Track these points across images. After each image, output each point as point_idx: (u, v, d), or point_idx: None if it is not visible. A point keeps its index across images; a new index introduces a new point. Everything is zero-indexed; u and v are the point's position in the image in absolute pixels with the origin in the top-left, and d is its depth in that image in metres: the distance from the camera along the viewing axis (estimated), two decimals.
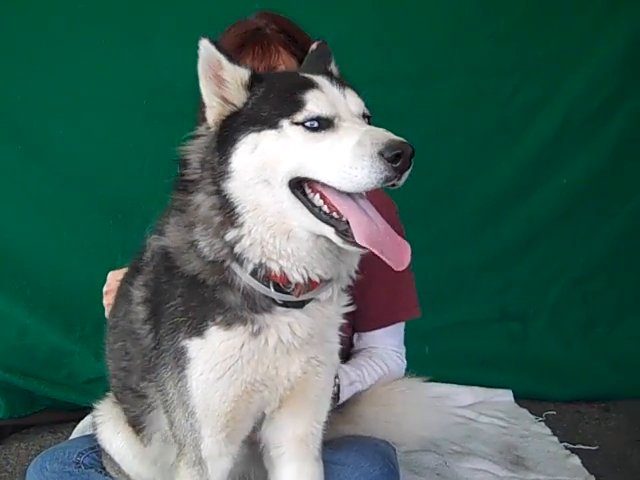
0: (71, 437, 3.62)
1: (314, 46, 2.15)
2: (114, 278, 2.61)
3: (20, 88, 4.08)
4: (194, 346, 2.00)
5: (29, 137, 4.13)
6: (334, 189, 1.77)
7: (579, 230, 4.53)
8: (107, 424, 2.52)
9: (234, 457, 2.14)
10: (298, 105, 1.82)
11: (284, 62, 2.63)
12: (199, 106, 2.65)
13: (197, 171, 1.97)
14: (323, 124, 1.80)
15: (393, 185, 1.74)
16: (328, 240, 1.86)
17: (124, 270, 2.48)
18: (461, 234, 4.49)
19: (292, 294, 1.95)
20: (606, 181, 4.48)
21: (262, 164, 1.84)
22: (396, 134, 1.74)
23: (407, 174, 1.72)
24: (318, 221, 1.82)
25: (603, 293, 4.57)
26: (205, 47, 1.91)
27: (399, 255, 1.80)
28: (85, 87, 4.12)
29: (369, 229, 1.78)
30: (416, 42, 4.28)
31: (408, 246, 1.83)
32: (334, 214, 1.80)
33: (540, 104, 4.44)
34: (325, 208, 1.81)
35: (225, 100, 1.94)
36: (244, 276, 1.93)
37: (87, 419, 3.69)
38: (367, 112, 1.90)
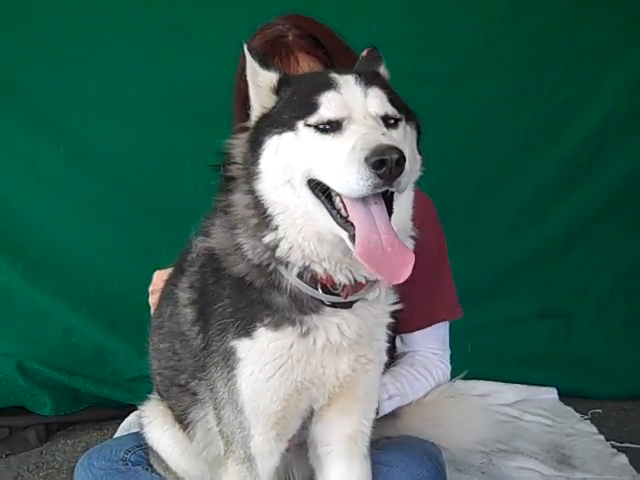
0: (116, 434, 3.66)
1: (364, 53, 2.12)
2: (160, 278, 2.63)
3: (62, 90, 4.14)
4: (243, 347, 2.02)
5: (71, 139, 4.19)
6: None
7: (622, 227, 4.48)
8: (154, 423, 2.55)
9: (282, 454, 2.15)
10: (313, 107, 1.83)
11: (304, 70, 2.58)
12: (233, 106, 2.68)
13: (239, 167, 1.99)
14: (333, 126, 1.80)
15: (389, 191, 1.72)
16: None
17: (169, 270, 2.50)
18: (503, 231, 4.46)
19: (340, 295, 1.95)
20: None
21: (283, 165, 1.86)
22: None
23: (403, 180, 1.68)
24: (335, 224, 1.81)
25: None
26: (247, 53, 1.96)
27: (397, 268, 1.75)
28: (125, 88, 4.17)
29: (367, 239, 1.74)
30: (455, 38, 4.27)
31: (411, 259, 1.77)
32: (349, 219, 1.79)
33: (582, 99, 4.39)
34: (343, 212, 1.80)
35: (261, 102, 1.97)
36: (291, 278, 1.94)
37: (132, 416, 3.74)
38: (393, 113, 1.85)
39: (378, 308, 2.08)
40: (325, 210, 1.82)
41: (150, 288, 2.74)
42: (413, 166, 1.91)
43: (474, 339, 4.26)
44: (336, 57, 2.58)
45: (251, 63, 1.95)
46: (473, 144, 4.26)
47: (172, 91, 4.16)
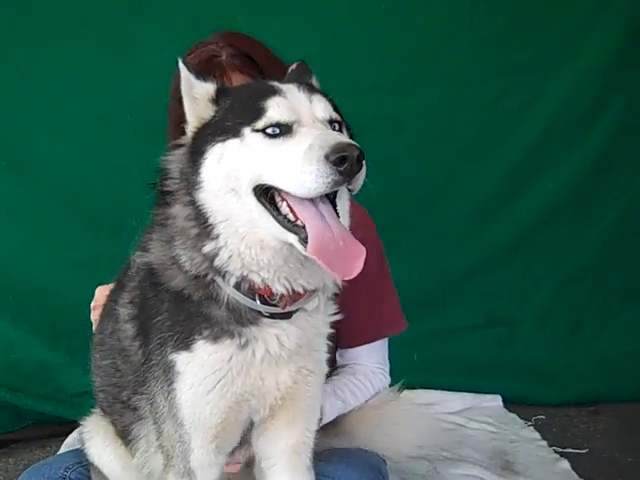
0: (60, 451, 3.60)
1: (294, 66, 2.14)
2: (102, 293, 2.60)
3: (3, 103, 4.09)
4: (182, 360, 2.00)
5: (13, 152, 4.14)
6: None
7: (564, 234, 4.55)
8: (95, 438, 2.51)
9: (222, 467, 2.14)
10: (259, 112, 1.83)
11: None
12: (168, 121, 2.67)
13: (176, 181, 1.98)
14: (283, 130, 1.80)
15: (350, 190, 1.74)
16: None
17: (111, 286, 2.47)
18: (447, 240, 4.50)
19: (278, 306, 1.95)
20: (591, 185, 4.51)
21: (227, 173, 1.86)
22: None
23: (361, 177, 1.71)
24: (282, 229, 1.81)
25: (589, 296, 4.59)
26: (181, 67, 1.95)
27: (349, 262, 1.76)
28: (69, 101, 4.14)
29: (321, 236, 1.76)
30: (399, 50, 4.30)
31: (362, 252, 1.78)
32: (298, 222, 1.80)
33: (524, 109, 4.46)
34: (290, 216, 1.80)
35: (198, 114, 1.97)
36: (228, 289, 1.93)
37: (75, 433, 3.67)
38: (336, 117, 1.88)
39: (317, 318, 2.07)
40: (271, 217, 1.82)
41: (92, 304, 2.71)
42: None
43: (420, 348, 4.29)
44: (271, 75, 2.58)
45: (186, 76, 1.95)
46: (418, 155, 4.31)
47: (116, 105, 4.14)
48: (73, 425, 3.76)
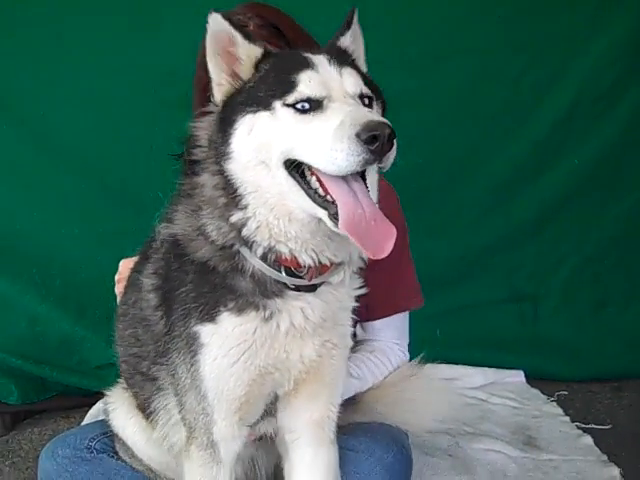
0: (83, 422, 3.63)
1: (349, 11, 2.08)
2: (126, 266, 2.61)
3: (28, 78, 4.08)
4: (207, 331, 2.01)
5: (38, 127, 4.13)
6: None
7: (589, 210, 4.51)
8: (119, 410, 2.54)
9: (244, 439, 2.16)
10: (290, 86, 1.81)
11: None
12: (194, 91, 2.65)
13: (204, 150, 1.97)
14: (313, 105, 1.79)
15: (380, 168, 1.72)
16: None
17: (135, 258, 2.48)
18: (471, 216, 4.47)
19: (304, 278, 1.95)
20: (616, 161, 4.45)
21: (258, 146, 1.85)
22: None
23: (391, 156, 1.69)
24: (313, 204, 1.81)
25: (614, 273, 4.55)
26: (217, 22, 1.92)
27: (380, 242, 1.76)
28: (93, 76, 4.12)
29: (353, 213, 1.75)
30: (422, 24, 4.25)
31: (393, 233, 1.78)
32: (328, 197, 1.79)
33: (549, 85, 4.39)
34: (320, 191, 1.80)
35: (236, 77, 1.94)
36: (254, 261, 1.93)
37: (99, 404, 3.70)
38: (367, 92, 1.86)
39: (342, 292, 2.07)
40: (302, 190, 1.82)
41: (116, 277, 2.73)
42: None
43: (442, 323, 4.28)
44: (297, 46, 2.56)
45: (226, 33, 1.91)
46: (442, 130, 4.26)
47: (140, 79, 4.11)
48: (97, 396, 3.79)
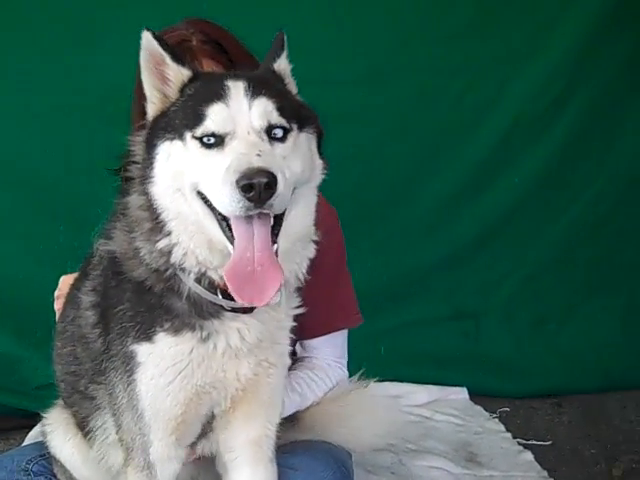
0: (24, 443, 3.54)
1: (277, 35, 2.06)
2: (66, 282, 2.58)
3: None
4: (143, 351, 1.99)
5: None
6: None
7: (529, 228, 4.58)
8: (57, 431, 2.50)
9: (182, 460, 2.13)
10: (200, 119, 1.80)
11: None
12: (132, 107, 2.65)
13: (138, 167, 1.96)
14: (217, 141, 1.78)
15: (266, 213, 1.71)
16: None
17: (75, 275, 2.46)
18: (413, 234, 4.50)
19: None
20: (555, 180, 4.53)
21: (174, 174, 1.84)
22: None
23: (277, 202, 1.67)
24: (224, 237, 1.80)
25: (553, 290, 4.62)
26: (148, 40, 1.90)
27: (262, 289, 1.74)
28: (32, 92, 4.08)
29: (239, 257, 1.74)
30: (366, 43, 4.29)
31: (279, 280, 1.75)
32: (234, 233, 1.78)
33: (489, 104, 4.47)
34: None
35: (165, 97, 1.94)
36: (190, 283, 1.92)
37: (39, 426, 3.62)
38: (278, 123, 1.81)
39: (280, 312, 2.07)
40: (215, 221, 1.80)
41: (56, 293, 2.69)
42: (310, 173, 1.91)
43: (386, 341, 4.31)
44: (239, 64, 2.56)
45: (156, 52, 1.90)
46: (383, 148, 4.30)
47: (81, 95, 4.08)
48: (37, 418, 3.72)
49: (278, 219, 1.80)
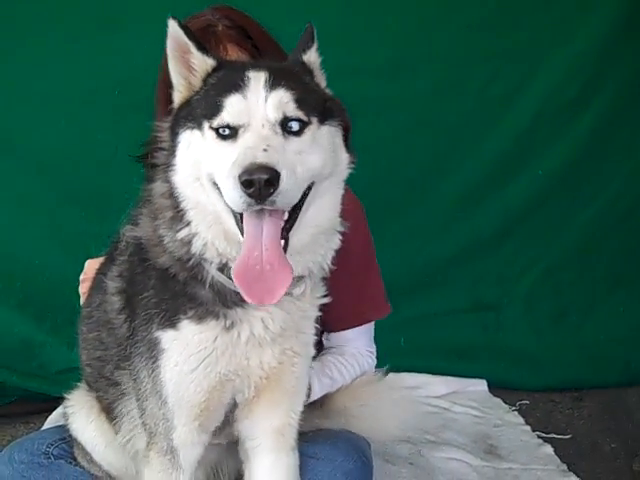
0: (43, 427, 3.57)
1: (307, 27, 2.04)
2: (91, 266, 2.60)
3: None
4: (167, 337, 2.01)
5: None
6: None
7: (552, 221, 4.53)
8: (79, 414, 2.51)
9: (205, 446, 2.14)
10: (217, 110, 1.80)
11: None
12: (157, 87, 2.65)
13: (165, 153, 1.96)
14: (232, 133, 1.78)
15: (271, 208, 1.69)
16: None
17: (101, 259, 2.46)
18: (436, 225, 4.48)
19: None
20: (579, 173, 4.48)
21: (193, 163, 1.85)
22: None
23: (277, 199, 1.65)
24: (237, 230, 1.80)
25: (575, 283, 4.58)
26: (174, 28, 1.91)
27: (271, 288, 1.73)
28: (55, 77, 4.07)
29: (248, 256, 1.73)
30: (389, 32, 4.24)
31: (288, 279, 1.74)
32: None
33: (514, 95, 4.42)
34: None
35: (191, 85, 1.95)
36: (213, 272, 1.93)
37: (59, 410, 3.65)
38: (293, 115, 1.79)
39: (305, 302, 2.07)
40: (230, 213, 1.80)
41: (81, 277, 2.70)
42: (333, 167, 1.89)
43: (406, 332, 4.29)
44: (264, 51, 2.56)
45: (182, 41, 1.91)
46: (406, 139, 4.26)
47: (104, 80, 4.07)
48: (57, 402, 3.74)
49: (294, 213, 1.80)
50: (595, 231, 4.53)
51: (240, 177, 1.62)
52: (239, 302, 1.94)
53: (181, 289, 1.98)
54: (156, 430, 2.08)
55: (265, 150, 1.67)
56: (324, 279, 2.12)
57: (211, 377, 2.00)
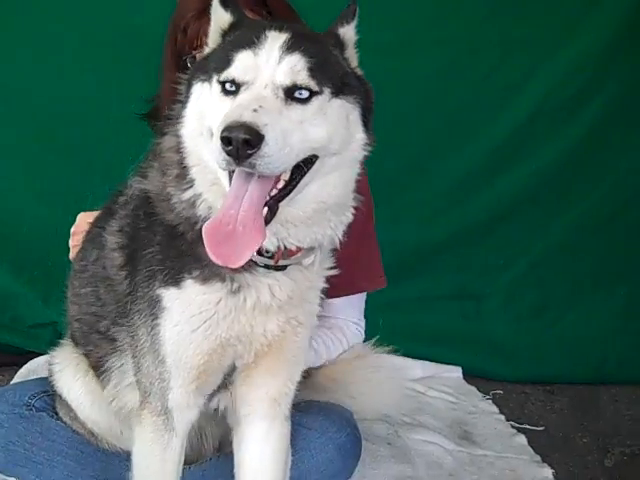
0: (13, 381, 3.51)
1: (350, 5, 1.98)
2: (84, 219, 2.55)
3: None
4: (169, 295, 1.97)
5: None
6: None
7: (540, 216, 4.53)
8: (65, 371, 2.48)
9: (200, 409, 2.12)
10: (227, 64, 1.77)
11: None
12: (164, 51, 2.61)
13: (179, 106, 1.93)
14: (236, 89, 1.74)
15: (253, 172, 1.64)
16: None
17: (95, 213, 2.41)
18: (426, 210, 4.46)
19: (272, 258, 1.91)
20: (571, 171, 4.47)
21: (198, 115, 1.83)
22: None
23: (258, 163, 1.59)
24: (228, 186, 1.75)
25: (557, 279, 4.59)
26: None
27: (238, 250, 1.67)
28: (49, 28, 4.01)
29: (223, 213, 1.68)
30: (396, 13, 4.17)
31: (257, 242, 1.69)
32: None
33: (516, 87, 4.39)
34: None
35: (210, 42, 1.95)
36: None
37: (31, 363, 3.61)
38: (303, 84, 1.73)
39: (312, 272, 2.04)
40: (226, 173, 1.75)
41: (72, 229, 2.65)
42: (342, 144, 1.82)
43: (387, 314, 4.26)
44: (279, 18, 2.51)
45: None
46: (405, 120, 4.21)
47: (100, 36, 3.99)
48: (28, 356, 3.71)
49: (289, 184, 1.76)
50: (581, 230, 4.53)
51: (221, 133, 1.57)
52: (247, 267, 1.90)
53: (188, 248, 1.94)
54: (151, 389, 2.05)
55: (255, 110, 1.62)
56: (333, 250, 2.10)
57: (211, 340, 1.97)
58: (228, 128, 1.56)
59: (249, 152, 1.56)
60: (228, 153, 1.57)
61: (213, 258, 1.69)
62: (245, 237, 1.67)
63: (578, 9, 4.32)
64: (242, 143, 1.55)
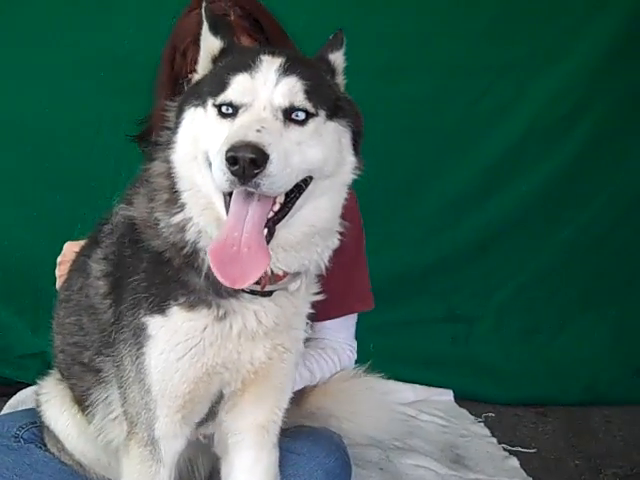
0: (2, 412, 3.49)
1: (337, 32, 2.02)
2: (70, 249, 2.54)
3: None
4: (155, 323, 1.96)
5: None
6: None
7: (530, 239, 4.55)
8: (52, 402, 2.45)
9: (187, 438, 2.10)
10: (223, 87, 1.78)
11: None
12: (160, 73, 2.62)
13: (169, 133, 1.93)
14: (233, 112, 1.75)
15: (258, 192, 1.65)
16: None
17: (81, 242, 2.40)
18: (416, 233, 4.47)
19: (258, 283, 1.89)
20: (561, 193, 4.50)
21: (192, 140, 1.83)
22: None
23: (262, 182, 1.60)
24: (224, 211, 1.76)
25: (547, 302, 4.61)
26: (204, 8, 1.92)
27: (245, 271, 1.68)
28: (39, 55, 4.02)
29: (227, 235, 1.69)
30: (386, 36, 4.22)
31: (264, 264, 1.70)
32: None
33: (507, 108, 4.42)
34: None
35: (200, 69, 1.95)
36: (208, 260, 1.87)
37: (20, 394, 3.59)
38: (300, 106, 1.75)
39: (299, 297, 2.04)
40: (221, 195, 1.76)
41: (59, 259, 2.64)
42: (336, 167, 1.84)
43: (377, 337, 4.26)
44: (275, 43, 2.53)
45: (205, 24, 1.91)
46: (395, 144, 4.23)
47: (90, 62, 4.02)
48: (17, 387, 3.68)
49: (285, 206, 1.77)
50: (570, 253, 4.55)
51: (226, 153, 1.57)
52: (233, 293, 1.90)
53: (174, 274, 1.93)
54: (137, 420, 2.02)
55: (258, 131, 1.63)
56: (319, 276, 2.10)
57: (197, 367, 1.96)
58: (234, 148, 1.57)
59: (255, 171, 1.58)
60: (233, 173, 1.58)
61: (220, 279, 1.70)
62: (251, 259, 1.68)
63: (567, 30, 4.36)
64: (249, 162, 1.57)
